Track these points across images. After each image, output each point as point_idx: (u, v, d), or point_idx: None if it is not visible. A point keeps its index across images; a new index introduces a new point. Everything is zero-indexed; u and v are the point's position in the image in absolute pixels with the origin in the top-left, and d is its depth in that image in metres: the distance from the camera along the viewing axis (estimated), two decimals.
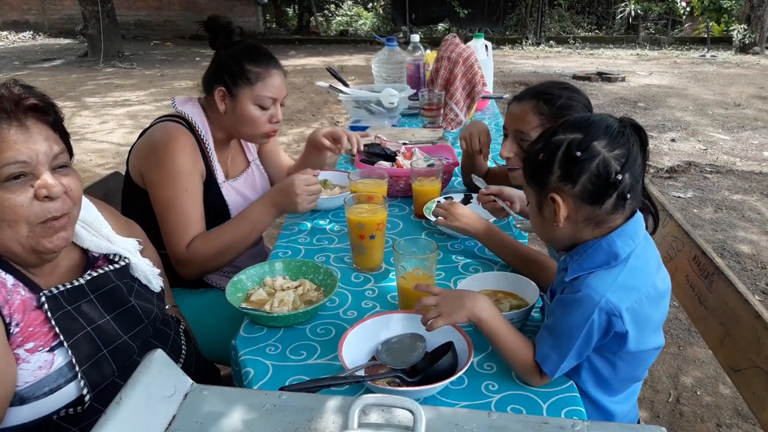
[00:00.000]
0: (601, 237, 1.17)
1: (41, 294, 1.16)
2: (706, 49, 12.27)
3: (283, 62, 1.91)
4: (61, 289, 1.20)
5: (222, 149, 1.96)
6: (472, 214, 1.70)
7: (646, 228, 1.24)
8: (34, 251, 1.16)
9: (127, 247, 1.41)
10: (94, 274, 1.29)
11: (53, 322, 1.15)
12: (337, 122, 6.85)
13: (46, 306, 1.15)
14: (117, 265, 1.35)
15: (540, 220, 1.24)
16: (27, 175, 1.12)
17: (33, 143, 1.12)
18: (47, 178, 1.13)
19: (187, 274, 1.81)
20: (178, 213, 1.75)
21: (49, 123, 1.18)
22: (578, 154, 1.12)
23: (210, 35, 1.86)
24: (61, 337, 1.15)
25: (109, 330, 1.24)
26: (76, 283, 1.24)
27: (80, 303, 1.22)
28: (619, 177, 1.11)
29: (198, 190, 1.80)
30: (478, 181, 1.90)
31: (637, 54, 12.32)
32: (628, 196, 1.14)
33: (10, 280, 1.15)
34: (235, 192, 1.95)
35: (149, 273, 1.43)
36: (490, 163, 2.20)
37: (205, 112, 1.89)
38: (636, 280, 1.15)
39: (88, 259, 1.34)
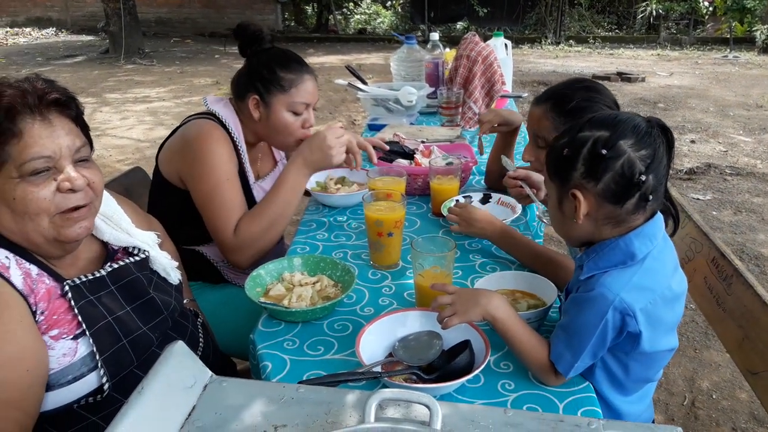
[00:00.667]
0: (619, 236, 1.17)
1: (65, 283, 1.19)
2: (728, 50, 12.10)
3: None
4: (84, 279, 1.23)
5: (252, 150, 1.98)
6: (487, 217, 1.70)
7: (666, 229, 1.24)
8: (57, 241, 1.19)
9: (145, 240, 1.43)
10: (115, 266, 1.31)
11: (76, 311, 1.18)
12: (354, 120, 6.86)
13: (69, 294, 1.18)
14: (137, 258, 1.38)
15: (559, 215, 1.24)
16: (50, 169, 1.14)
17: (57, 138, 1.14)
18: (70, 171, 1.16)
19: (241, 261, 1.78)
20: (222, 202, 1.75)
21: (71, 117, 1.20)
22: (604, 152, 1.11)
23: (240, 43, 1.87)
24: (84, 326, 1.17)
25: (129, 321, 1.27)
26: (98, 275, 1.27)
27: (101, 294, 1.25)
28: (643, 178, 1.10)
29: (237, 179, 1.82)
30: (507, 164, 1.88)
31: (658, 54, 12.19)
32: (650, 197, 1.13)
33: (34, 270, 1.17)
34: (264, 193, 1.96)
35: (168, 266, 1.45)
36: (517, 163, 2.19)
37: (237, 114, 1.90)
38: (651, 281, 1.14)
39: (108, 252, 1.36)
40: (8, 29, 15.06)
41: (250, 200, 1.91)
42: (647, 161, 1.11)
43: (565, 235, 1.30)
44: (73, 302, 1.18)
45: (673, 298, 1.20)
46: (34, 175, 1.12)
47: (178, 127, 1.89)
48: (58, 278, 1.20)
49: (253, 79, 1.83)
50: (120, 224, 1.39)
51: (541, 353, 1.18)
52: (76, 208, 1.19)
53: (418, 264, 1.42)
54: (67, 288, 1.19)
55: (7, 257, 1.15)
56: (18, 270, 1.14)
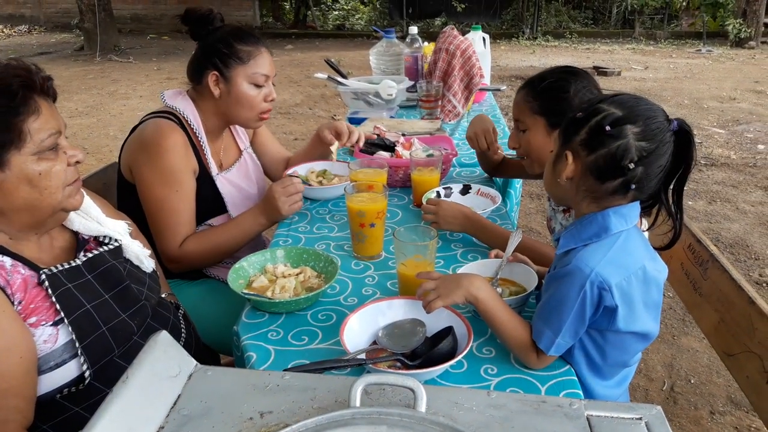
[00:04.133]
0: (598, 211, 1.20)
1: (42, 272, 1.19)
2: (702, 44, 12.28)
3: (281, 56, 1.93)
4: (60, 268, 1.24)
5: (214, 140, 1.96)
6: (462, 212, 1.70)
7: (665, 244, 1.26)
8: (63, 211, 1.26)
9: (116, 229, 1.43)
10: (90, 255, 1.32)
11: (54, 299, 1.18)
12: (335, 116, 6.85)
13: (46, 283, 1.18)
14: (109, 247, 1.38)
15: (550, 169, 1.27)
16: (57, 144, 1.20)
17: (56, 115, 1.22)
18: (69, 147, 1.23)
19: (175, 269, 1.84)
20: (170, 213, 1.76)
21: (55, 97, 1.26)
22: (607, 128, 1.14)
23: (191, 27, 1.85)
24: (62, 314, 1.18)
25: (108, 308, 1.27)
26: (74, 264, 1.27)
27: (79, 282, 1.25)
28: (632, 166, 1.13)
29: (190, 188, 1.81)
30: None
31: (633, 48, 12.32)
32: (633, 186, 1.16)
33: (7, 261, 1.17)
34: (229, 183, 1.96)
35: (140, 254, 1.45)
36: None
37: (195, 103, 1.88)
38: (624, 259, 1.16)
39: (78, 242, 1.36)
40: None
41: (215, 192, 1.91)
42: (643, 153, 1.13)
43: (548, 189, 1.35)
44: (50, 290, 1.18)
45: (648, 280, 1.21)
46: (47, 152, 1.18)
47: (136, 126, 1.86)
48: (33, 267, 1.20)
49: (210, 56, 1.82)
50: (89, 213, 1.40)
51: (523, 333, 1.19)
52: (76, 179, 1.26)
53: (400, 253, 1.43)
54: (43, 276, 1.19)
55: None
56: None
